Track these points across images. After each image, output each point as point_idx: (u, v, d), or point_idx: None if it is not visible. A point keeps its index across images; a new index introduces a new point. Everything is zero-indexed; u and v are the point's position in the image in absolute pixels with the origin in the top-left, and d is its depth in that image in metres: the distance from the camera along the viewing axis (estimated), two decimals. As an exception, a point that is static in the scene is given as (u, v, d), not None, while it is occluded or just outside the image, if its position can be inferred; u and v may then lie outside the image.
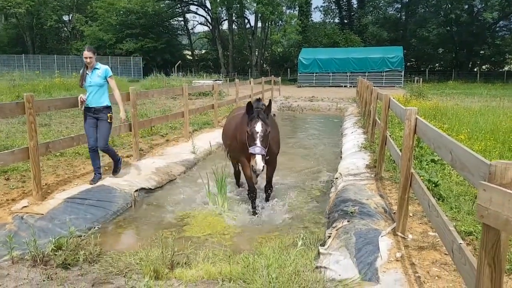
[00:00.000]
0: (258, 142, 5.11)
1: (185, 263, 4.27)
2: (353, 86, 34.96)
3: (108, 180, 6.71)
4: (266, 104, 5.68)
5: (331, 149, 11.45)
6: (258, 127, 5.19)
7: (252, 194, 6.08)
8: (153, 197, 6.82)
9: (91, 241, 4.54)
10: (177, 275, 4.03)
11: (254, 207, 6.13)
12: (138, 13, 46.66)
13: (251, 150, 5.10)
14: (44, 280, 3.86)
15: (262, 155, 5.09)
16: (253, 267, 4.05)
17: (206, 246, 4.76)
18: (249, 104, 5.43)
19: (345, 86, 38.03)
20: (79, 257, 4.24)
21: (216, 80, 28.86)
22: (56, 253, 4.24)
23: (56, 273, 4.01)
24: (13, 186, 6.13)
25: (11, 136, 9.53)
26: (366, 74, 36.33)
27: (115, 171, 6.93)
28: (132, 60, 44.48)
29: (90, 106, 6.34)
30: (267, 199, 6.44)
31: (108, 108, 6.48)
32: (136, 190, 6.64)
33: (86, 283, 3.83)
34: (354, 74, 37.29)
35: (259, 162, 5.00)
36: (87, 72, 6.33)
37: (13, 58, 42.20)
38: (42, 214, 5.23)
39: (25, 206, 5.33)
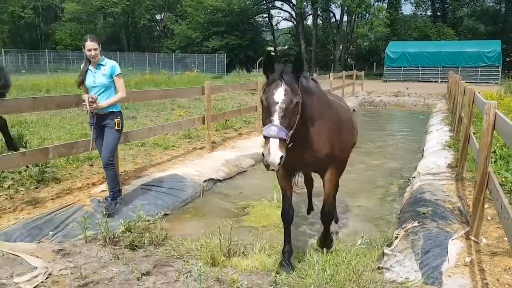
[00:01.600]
0: (276, 117, 3.19)
1: (242, 252, 4.31)
2: (445, 82, 32.78)
3: (180, 170, 6.99)
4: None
5: (414, 146, 10.90)
6: (279, 94, 3.26)
7: (284, 216, 4.11)
8: (221, 188, 6.98)
9: (158, 225, 4.76)
10: (233, 264, 4.08)
11: (286, 241, 4.10)
12: (225, 11, 48.02)
13: (264, 131, 3.20)
14: (111, 259, 4.11)
15: (281, 140, 3.15)
16: (309, 262, 3.98)
17: (264, 238, 4.76)
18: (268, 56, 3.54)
19: (435, 82, 35.84)
20: (145, 240, 4.47)
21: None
22: (125, 234, 4.50)
23: (123, 253, 4.25)
24: (95, 171, 6.64)
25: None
26: (460, 69, 33.97)
27: (109, 207, 5.19)
28: (216, 57, 45.90)
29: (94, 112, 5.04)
30: (325, 234, 4.42)
31: (116, 113, 5.17)
32: (205, 181, 6.84)
33: (148, 264, 4.02)
34: (446, 69, 34.96)
35: (273, 150, 3.09)
36: (89, 68, 5.07)
37: (109, 56, 45.54)
38: (117, 198, 5.60)
39: (103, 191, 5.73)
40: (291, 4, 56.53)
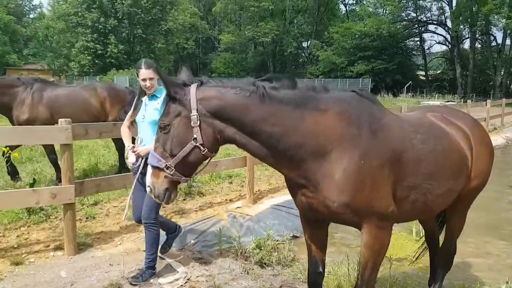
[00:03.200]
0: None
1: (372, 285, 4.13)
2: None
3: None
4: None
5: None
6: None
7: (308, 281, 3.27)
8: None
9: (286, 246, 4.85)
10: (361, 296, 3.93)
11: None
12: (373, 36, 47.54)
13: None
14: (241, 273, 4.32)
15: (155, 168, 2.49)
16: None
17: (397, 272, 4.48)
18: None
19: None
20: (273, 259, 4.60)
21: (448, 101, 26.71)
22: (255, 251, 4.70)
23: (252, 269, 4.42)
24: (233, 189, 7.13)
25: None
26: None
27: (142, 275, 3.98)
28: (361, 82, 45.31)
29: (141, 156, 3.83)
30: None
31: None
32: (337, 206, 6.74)
33: (275, 283, 4.13)
34: None
35: (148, 179, 2.52)
36: (143, 100, 3.97)
37: (254, 82, 48.92)
38: (251, 216, 5.90)
39: (239, 207, 6.11)
40: (446, 28, 53.25)
